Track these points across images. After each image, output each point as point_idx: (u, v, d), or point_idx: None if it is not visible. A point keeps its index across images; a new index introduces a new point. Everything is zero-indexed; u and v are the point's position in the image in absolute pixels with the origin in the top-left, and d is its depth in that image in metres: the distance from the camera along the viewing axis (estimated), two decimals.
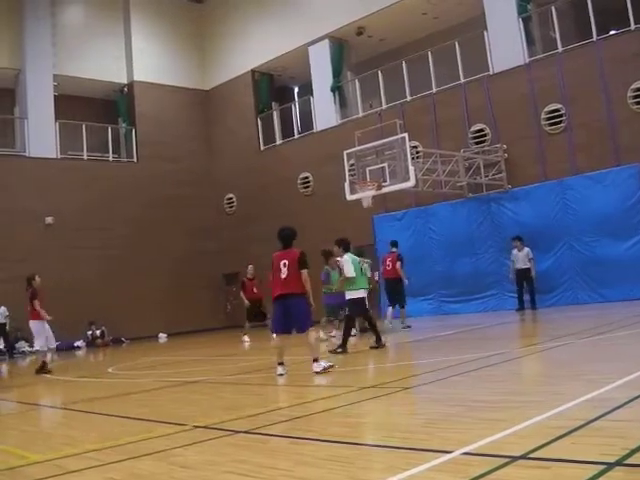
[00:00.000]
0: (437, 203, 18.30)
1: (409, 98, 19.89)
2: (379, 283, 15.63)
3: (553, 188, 16.23)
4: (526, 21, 17.67)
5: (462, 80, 18.62)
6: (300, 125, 24.01)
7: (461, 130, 18.17)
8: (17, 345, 19.51)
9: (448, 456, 3.53)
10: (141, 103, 24.56)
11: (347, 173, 15.88)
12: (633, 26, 15.54)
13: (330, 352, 9.88)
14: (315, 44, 22.37)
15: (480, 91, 18.00)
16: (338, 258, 11.01)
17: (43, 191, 21.26)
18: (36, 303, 11.67)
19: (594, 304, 14.83)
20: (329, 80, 22.05)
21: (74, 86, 23.21)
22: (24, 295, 11.99)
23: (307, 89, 23.69)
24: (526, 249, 15.48)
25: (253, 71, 24.75)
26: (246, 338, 15.61)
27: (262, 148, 24.41)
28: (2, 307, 18.36)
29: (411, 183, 14.67)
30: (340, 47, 22.24)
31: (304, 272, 7.96)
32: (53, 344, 12.36)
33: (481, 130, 17.96)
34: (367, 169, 15.40)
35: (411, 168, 14.57)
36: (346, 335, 10.34)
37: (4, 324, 18.57)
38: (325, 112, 22.10)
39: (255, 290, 15.96)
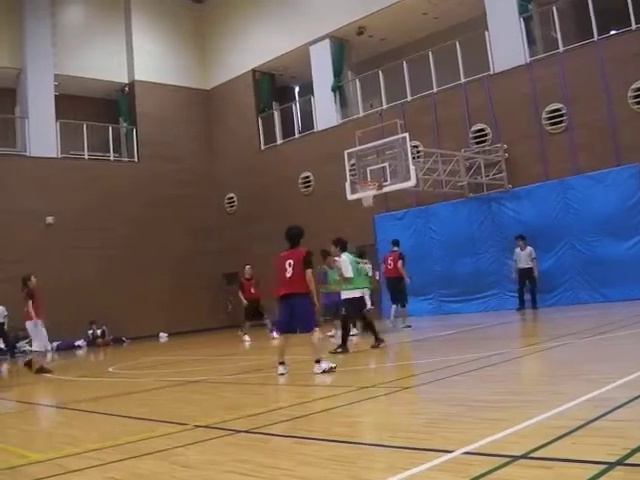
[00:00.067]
0: (438, 203, 18.30)
1: (410, 98, 19.89)
2: (380, 282, 15.64)
3: (554, 188, 16.23)
4: (527, 21, 17.66)
5: (463, 80, 18.62)
6: (301, 125, 24.02)
7: (462, 130, 18.17)
8: (18, 345, 19.51)
9: (449, 456, 3.53)
10: (142, 103, 24.57)
11: (348, 173, 15.88)
12: (634, 26, 15.55)
13: (330, 352, 9.88)
14: (316, 44, 22.37)
15: (481, 91, 18.00)
16: (336, 258, 11.01)
17: (44, 191, 21.26)
18: (29, 304, 11.66)
19: (595, 304, 14.83)
20: (330, 80, 22.05)
21: (75, 86, 23.20)
22: (22, 295, 11.98)
23: (308, 89, 23.70)
24: (529, 248, 15.48)
25: (254, 71, 24.75)
26: (246, 338, 15.64)
27: (263, 148, 24.41)
28: (1, 307, 18.37)
29: (412, 183, 14.68)
30: (341, 47, 22.24)
31: (308, 272, 7.97)
32: (47, 346, 12.26)
33: (482, 130, 17.96)
34: (368, 169, 15.41)
35: (412, 168, 14.57)
36: (345, 335, 10.35)
37: (2, 324, 18.58)
38: (326, 112, 22.11)
39: (253, 290, 16.04)
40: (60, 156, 22.45)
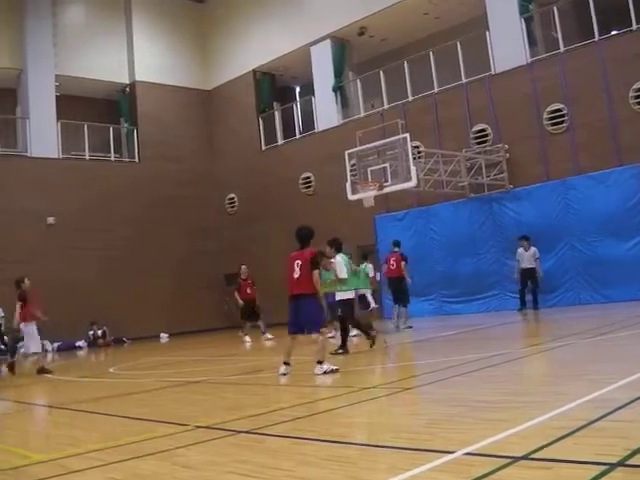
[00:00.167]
0: (439, 203, 18.29)
1: (411, 98, 19.89)
2: (381, 283, 15.64)
3: (555, 188, 16.23)
4: (528, 21, 17.66)
5: (464, 80, 18.62)
6: (302, 125, 24.02)
7: (463, 130, 18.17)
8: (18, 345, 19.49)
9: (450, 456, 3.53)
10: (143, 103, 24.58)
11: (349, 173, 15.88)
12: (635, 26, 15.55)
13: (331, 354, 9.88)
14: (317, 44, 22.38)
15: (482, 91, 18.00)
16: (331, 260, 11.02)
17: (45, 191, 21.28)
18: (18, 306, 11.66)
19: (596, 304, 14.83)
20: (331, 80, 22.06)
21: (76, 86, 23.22)
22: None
23: (309, 89, 23.70)
24: (533, 249, 15.45)
25: (255, 71, 24.76)
26: (247, 338, 15.65)
27: (264, 148, 24.42)
28: None
29: (413, 183, 14.67)
30: (342, 47, 22.24)
31: (315, 273, 7.97)
32: (26, 350, 12.21)
33: (483, 130, 17.96)
34: (369, 169, 15.41)
35: (413, 168, 14.57)
36: (344, 336, 10.36)
37: None
38: (327, 112, 22.11)
39: (249, 290, 16.10)
40: (61, 156, 22.47)
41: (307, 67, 22.72)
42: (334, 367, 7.87)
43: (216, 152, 26.00)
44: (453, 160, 16.68)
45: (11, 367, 11.97)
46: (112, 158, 24.04)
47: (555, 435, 3.68)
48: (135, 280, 22.36)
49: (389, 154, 15.21)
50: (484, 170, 17.30)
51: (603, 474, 2.95)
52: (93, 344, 20.77)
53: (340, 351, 10.06)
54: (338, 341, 10.73)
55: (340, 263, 10.39)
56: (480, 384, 6.16)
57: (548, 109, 16.71)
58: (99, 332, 21.10)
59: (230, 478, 3.64)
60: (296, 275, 8.01)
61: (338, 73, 22.12)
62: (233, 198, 25.36)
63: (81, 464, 4.26)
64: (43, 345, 19.12)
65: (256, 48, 24.25)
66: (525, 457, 3.35)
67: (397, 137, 15.09)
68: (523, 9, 17.58)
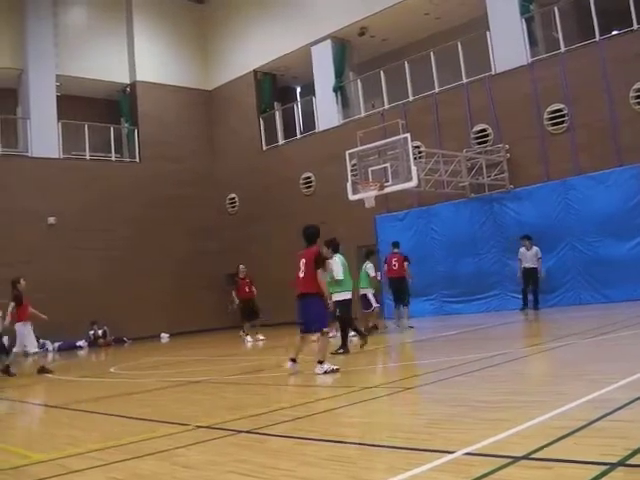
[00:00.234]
0: (439, 203, 18.29)
1: (411, 98, 19.88)
2: (382, 283, 15.65)
3: (555, 188, 16.22)
4: (529, 21, 17.65)
5: (464, 80, 18.61)
6: (302, 125, 24.02)
7: (463, 130, 18.16)
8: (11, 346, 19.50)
9: (450, 456, 3.53)
10: (143, 103, 24.59)
11: (349, 173, 15.87)
12: (636, 26, 15.53)
13: (331, 353, 9.88)
14: (317, 44, 22.37)
15: (482, 91, 17.99)
16: (329, 260, 11.01)
17: (45, 191, 21.28)
18: (11, 306, 11.66)
19: (597, 304, 14.82)
20: (331, 80, 22.05)
21: (77, 86, 23.23)
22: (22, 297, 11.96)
23: (309, 89, 23.70)
24: (535, 248, 15.44)
25: (255, 71, 24.76)
26: (249, 338, 15.67)
27: (264, 148, 24.43)
28: None
29: (413, 183, 14.67)
30: (342, 47, 22.24)
31: (319, 272, 7.98)
32: (20, 349, 12.19)
33: (483, 130, 17.95)
34: (369, 169, 15.40)
35: (413, 168, 14.56)
36: (344, 336, 10.36)
37: None
38: (327, 112, 22.11)
39: (247, 289, 16.12)
40: (62, 156, 22.46)
41: (308, 67, 22.72)
42: (335, 367, 7.87)
43: (217, 152, 26.00)
44: (454, 160, 16.68)
45: (6, 370, 11.92)
46: (113, 158, 24.03)
47: (556, 435, 3.68)
48: (136, 280, 22.37)
49: (390, 154, 15.20)
50: (485, 170, 17.30)
51: (604, 474, 2.95)
52: (94, 344, 20.78)
53: (341, 351, 10.07)
54: (339, 341, 10.73)
55: (337, 263, 10.39)
56: (481, 384, 6.16)
57: (548, 109, 16.70)
58: (100, 332, 21.11)
59: (230, 478, 3.65)
60: (301, 274, 8.05)
61: (339, 73, 22.12)
62: (234, 198, 25.36)
63: (81, 464, 4.27)
64: (44, 344, 19.17)
65: (257, 48, 24.25)
66: (526, 457, 3.36)
67: (398, 137, 15.08)
68: (524, 9, 17.57)
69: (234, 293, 16.24)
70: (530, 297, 15.53)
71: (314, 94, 22.79)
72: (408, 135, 14.87)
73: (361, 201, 15.64)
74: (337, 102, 22.02)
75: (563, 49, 16.80)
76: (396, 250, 14.56)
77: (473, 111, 18.12)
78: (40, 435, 5.99)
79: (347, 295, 10.54)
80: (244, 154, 24.66)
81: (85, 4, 24.38)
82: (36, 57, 22.28)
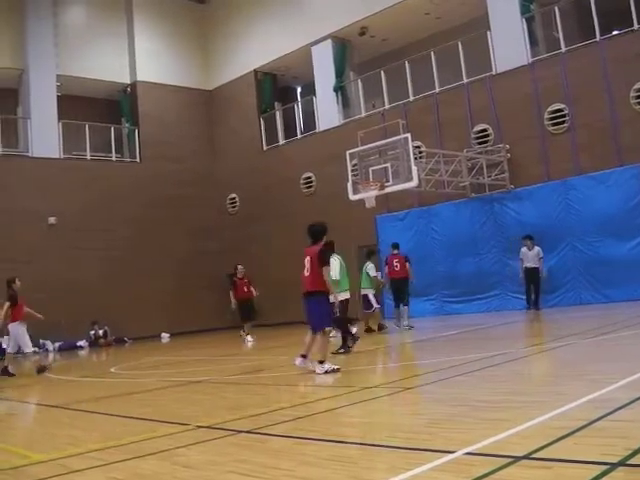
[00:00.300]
0: (440, 203, 18.28)
1: (412, 98, 19.87)
2: (384, 283, 15.65)
3: (556, 188, 16.21)
4: (529, 21, 17.65)
5: (465, 80, 18.61)
6: (303, 125, 24.02)
7: (464, 130, 18.16)
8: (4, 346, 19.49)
9: (451, 456, 3.53)
10: (144, 103, 24.59)
11: (350, 173, 15.87)
12: (636, 26, 15.52)
13: (332, 353, 9.88)
14: (318, 44, 22.37)
15: (483, 91, 17.98)
16: None
17: (46, 191, 21.29)
18: (5, 306, 11.65)
19: (597, 304, 14.82)
20: (332, 80, 22.05)
21: (77, 86, 23.24)
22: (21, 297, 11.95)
23: (310, 89, 23.70)
24: (537, 248, 15.43)
25: (256, 71, 24.76)
26: (249, 338, 15.67)
27: (265, 148, 24.43)
28: None
29: (414, 183, 14.67)
30: (343, 47, 22.24)
31: (323, 269, 7.96)
32: (13, 349, 12.18)
33: (484, 130, 17.95)
34: (370, 169, 15.39)
35: (414, 168, 14.56)
36: (344, 336, 10.36)
37: None
38: (328, 112, 22.11)
39: (246, 289, 16.11)
40: (62, 156, 22.47)
41: (308, 67, 22.72)
42: (335, 367, 7.87)
43: (217, 152, 26.00)
44: (454, 160, 16.67)
45: (5, 370, 11.89)
46: (113, 158, 24.03)
47: (556, 435, 3.68)
48: (136, 280, 22.37)
49: (390, 154, 15.20)
50: (485, 170, 17.30)
51: (604, 474, 2.95)
52: (94, 344, 20.79)
53: (341, 350, 10.07)
54: (339, 341, 10.73)
55: (334, 264, 10.40)
56: (481, 384, 6.16)
57: (549, 109, 16.70)
58: (100, 332, 21.11)
59: (230, 478, 3.64)
60: (306, 273, 8.04)
61: (339, 73, 22.12)
62: (234, 198, 25.36)
63: (81, 464, 4.27)
64: (44, 344, 19.17)
65: (257, 48, 24.25)
66: (526, 457, 3.36)
67: (398, 137, 15.08)
68: (524, 9, 17.56)
69: (231, 294, 16.22)
70: (532, 297, 15.53)
71: (314, 94, 22.80)
72: (409, 135, 14.88)
73: (361, 201, 15.64)
74: (337, 102, 22.02)
75: (564, 49, 16.80)
76: (396, 252, 14.57)
77: (474, 111, 18.12)
78: (40, 435, 5.99)
79: (344, 295, 10.56)
80: (244, 154, 24.66)
81: (85, 4, 24.39)
82: (36, 57, 22.29)
